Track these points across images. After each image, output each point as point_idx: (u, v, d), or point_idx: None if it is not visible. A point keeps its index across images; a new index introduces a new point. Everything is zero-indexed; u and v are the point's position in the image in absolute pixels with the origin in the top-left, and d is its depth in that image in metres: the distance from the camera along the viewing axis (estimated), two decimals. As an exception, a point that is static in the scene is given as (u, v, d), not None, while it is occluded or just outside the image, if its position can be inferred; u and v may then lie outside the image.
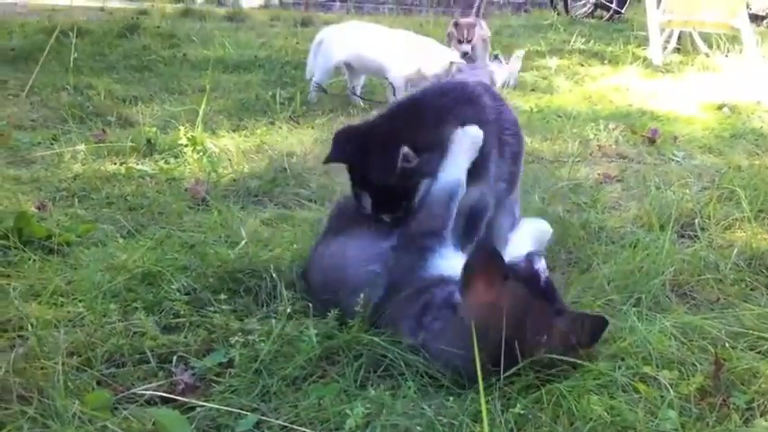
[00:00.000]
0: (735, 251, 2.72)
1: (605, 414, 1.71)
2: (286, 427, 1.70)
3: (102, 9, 11.88)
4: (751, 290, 2.55)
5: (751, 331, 2.12)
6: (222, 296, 2.24)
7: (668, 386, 1.82)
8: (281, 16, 12.39)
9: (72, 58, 4.95)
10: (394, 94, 5.45)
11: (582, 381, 1.81)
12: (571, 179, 3.76)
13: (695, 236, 2.95)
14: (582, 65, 8.15)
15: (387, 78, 5.55)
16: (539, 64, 7.95)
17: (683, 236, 2.99)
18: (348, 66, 5.71)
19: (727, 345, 2.02)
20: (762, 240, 2.93)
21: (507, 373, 1.79)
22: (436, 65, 5.50)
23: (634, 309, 2.20)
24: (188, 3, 14.22)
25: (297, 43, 7.72)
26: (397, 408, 1.73)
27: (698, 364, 1.92)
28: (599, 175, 3.94)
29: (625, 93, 6.58)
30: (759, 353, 2.02)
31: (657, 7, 8.55)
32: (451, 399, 1.76)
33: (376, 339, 1.95)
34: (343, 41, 5.63)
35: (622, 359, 1.94)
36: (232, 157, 3.86)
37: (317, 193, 3.47)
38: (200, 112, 3.91)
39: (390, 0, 14.36)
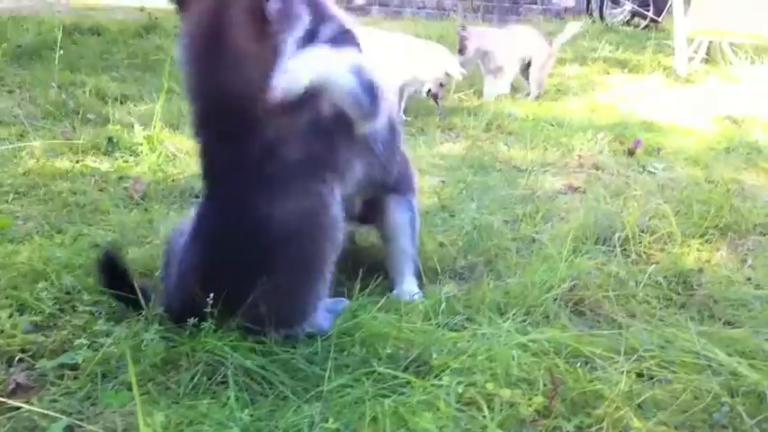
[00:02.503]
0: (652, 268, 2.62)
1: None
2: (97, 432, 1.67)
3: (141, 9, 12.05)
4: (660, 309, 2.44)
5: (615, 356, 2.02)
6: (100, 298, 2.23)
7: (509, 404, 1.75)
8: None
9: (57, 56, 5.01)
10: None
11: (413, 396, 1.75)
12: (529, 188, 3.68)
13: (624, 251, 2.85)
14: (603, 73, 7.98)
15: None
16: (557, 72, 7.80)
17: (611, 251, 2.87)
18: None
19: (579, 365, 1.92)
20: (692, 258, 2.82)
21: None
22: (433, 70, 5.38)
23: (508, 323, 2.11)
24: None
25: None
26: (212, 416, 1.69)
27: (546, 385, 1.83)
28: (562, 185, 3.83)
29: (635, 102, 6.41)
30: (622, 373, 1.93)
31: (685, 16, 8.34)
32: (275, 409, 1.71)
33: (219, 344, 1.91)
34: None
35: (473, 374, 1.86)
36: (189, 157, 3.86)
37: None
38: (156, 111, 3.92)
39: (429, 5, 14.28)
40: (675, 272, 2.66)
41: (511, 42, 6.40)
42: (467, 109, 5.62)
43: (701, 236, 3.04)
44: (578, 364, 1.94)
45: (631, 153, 4.48)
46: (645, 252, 2.84)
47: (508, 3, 14.25)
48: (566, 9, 13.56)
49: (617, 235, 2.88)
